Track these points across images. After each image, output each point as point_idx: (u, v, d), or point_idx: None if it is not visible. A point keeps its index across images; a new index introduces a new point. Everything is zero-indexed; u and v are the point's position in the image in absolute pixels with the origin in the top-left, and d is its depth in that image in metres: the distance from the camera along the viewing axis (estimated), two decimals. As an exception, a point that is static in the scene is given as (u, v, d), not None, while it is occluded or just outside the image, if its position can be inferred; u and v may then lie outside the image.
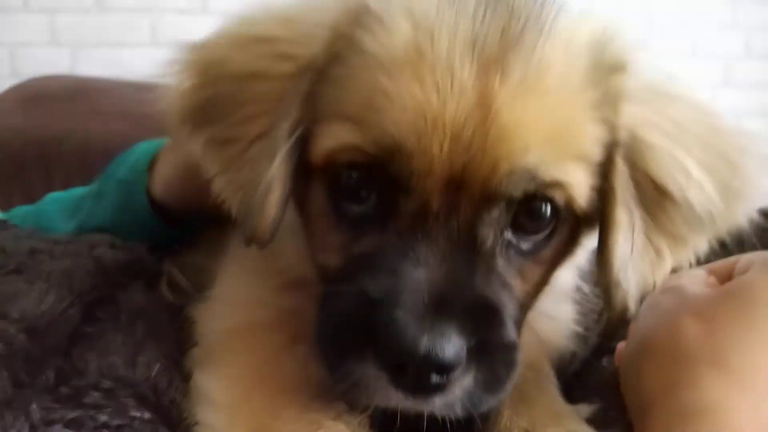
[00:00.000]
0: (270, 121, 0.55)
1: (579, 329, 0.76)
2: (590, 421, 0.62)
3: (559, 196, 0.54)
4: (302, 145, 0.56)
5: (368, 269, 0.51)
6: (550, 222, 0.56)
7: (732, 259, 0.64)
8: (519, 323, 0.57)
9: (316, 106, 0.55)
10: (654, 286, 0.59)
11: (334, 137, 0.53)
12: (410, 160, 0.50)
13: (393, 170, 0.51)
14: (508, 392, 0.54)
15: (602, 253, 0.58)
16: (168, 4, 2.49)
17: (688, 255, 0.61)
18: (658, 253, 0.59)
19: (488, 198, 0.52)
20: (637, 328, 0.61)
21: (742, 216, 0.60)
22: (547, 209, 0.55)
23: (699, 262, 0.64)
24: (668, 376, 0.52)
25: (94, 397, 0.48)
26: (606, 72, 0.56)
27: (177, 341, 0.63)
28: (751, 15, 2.90)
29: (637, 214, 0.57)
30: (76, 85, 2.18)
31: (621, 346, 0.68)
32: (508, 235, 0.55)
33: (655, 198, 0.58)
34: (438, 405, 0.50)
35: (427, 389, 0.48)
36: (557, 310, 0.76)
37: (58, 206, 1.06)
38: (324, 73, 0.54)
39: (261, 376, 0.59)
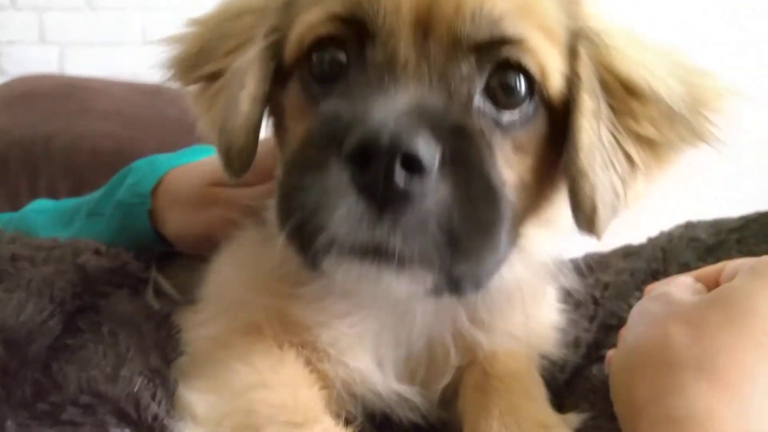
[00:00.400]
0: (251, 45, 0.60)
1: (569, 336, 0.77)
2: (580, 430, 0.63)
3: (532, 64, 0.55)
4: (278, 58, 0.60)
5: (326, 115, 0.51)
6: (525, 99, 0.56)
7: (719, 265, 0.65)
8: (510, 231, 0.54)
9: (293, 10, 0.59)
10: (625, 205, 0.59)
11: (305, 18, 0.56)
12: (377, 2, 0.52)
13: (361, 15, 0.52)
14: (492, 261, 0.52)
15: (570, 142, 0.57)
16: (160, 2, 2.47)
17: (660, 170, 0.60)
18: (628, 159, 0.59)
19: (455, 42, 0.52)
20: (627, 335, 0.61)
21: (710, 130, 0.60)
22: (521, 82, 0.55)
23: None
24: (656, 383, 0.52)
25: (71, 413, 0.47)
26: None
27: (163, 351, 0.62)
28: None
29: (604, 106, 0.58)
30: (65, 84, 2.15)
31: (611, 353, 0.68)
32: (482, 100, 0.55)
33: (621, 96, 0.58)
34: (409, 221, 0.45)
35: (394, 188, 0.44)
36: (545, 315, 0.75)
37: (43, 217, 1.05)
38: None
39: (244, 388, 0.58)
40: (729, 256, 0.81)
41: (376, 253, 0.48)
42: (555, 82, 0.57)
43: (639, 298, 0.83)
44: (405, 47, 0.52)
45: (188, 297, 0.85)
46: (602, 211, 0.57)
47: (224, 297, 0.70)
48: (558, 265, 0.72)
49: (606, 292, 0.82)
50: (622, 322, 0.80)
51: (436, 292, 0.52)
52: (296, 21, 0.58)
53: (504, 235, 0.52)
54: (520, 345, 0.71)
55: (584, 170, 0.57)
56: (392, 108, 0.47)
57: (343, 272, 0.51)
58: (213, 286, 0.72)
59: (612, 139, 0.58)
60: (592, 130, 0.57)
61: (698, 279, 0.64)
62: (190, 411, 0.55)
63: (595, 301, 0.81)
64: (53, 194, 1.85)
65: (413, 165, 0.44)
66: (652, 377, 0.53)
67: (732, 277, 0.58)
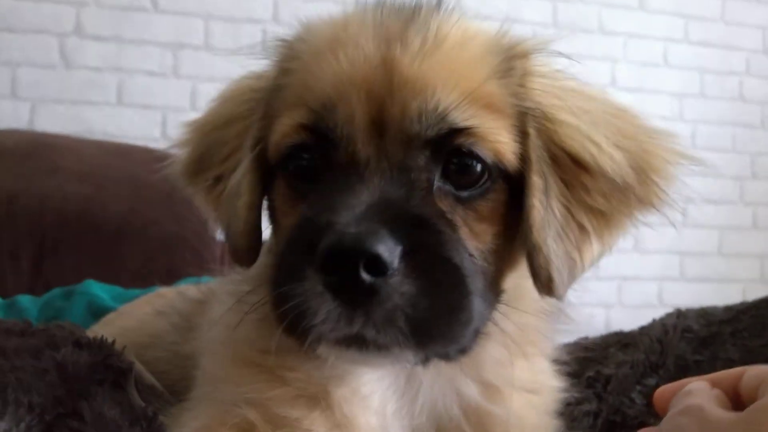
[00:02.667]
0: (243, 151, 0.67)
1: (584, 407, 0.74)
2: None
3: (485, 151, 0.59)
4: (265, 161, 0.66)
5: (304, 218, 0.57)
6: (482, 176, 0.60)
7: (734, 372, 0.63)
8: (487, 293, 0.59)
9: (270, 119, 0.65)
10: (582, 268, 0.62)
11: (279, 128, 0.62)
12: (336, 111, 0.58)
13: (323, 126, 0.59)
14: (467, 333, 0.55)
15: (524, 218, 0.61)
16: (137, 64, 2.46)
17: (612, 236, 0.63)
18: (581, 228, 0.62)
19: (408, 140, 0.58)
20: None
21: (659, 197, 0.63)
22: (476, 164, 0.60)
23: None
24: None
25: None
26: (507, 52, 0.64)
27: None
28: (697, 109, 3.10)
29: (553, 182, 0.61)
30: (33, 141, 2.07)
31: None
32: (441, 182, 0.59)
33: (571, 170, 0.62)
34: (379, 316, 0.50)
35: (361, 288, 0.50)
36: (537, 382, 0.71)
37: None
38: (274, 91, 0.66)
39: None
40: (725, 350, 0.81)
41: (357, 342, 0.53)
42: (508, 161, 0.61)
43: (640, 392, 0.82)
44: (363, 148, 0.58)
45: (170, 388, 0.81)
46: (558, 279, 0.60)
47: (215, 392, 0.67)
48: (554, 306, 0.71)
49: (608, 386, 0.80)
50: (625, 419, 0.78)
51: (423, 362, 0.58)
52: (273, 128, 0.64)
53: (477, 305, 0.56)
54: (534, 404, 0.70)
55: (537, 245, 0.60)
56: (354, 211, 0.52)
57: (334, 358, 0.59)
58: (205, 377, 0.70)
59: (564, 211, 0.62)
60: (543, 207, 0.61)
61: (714, 384, 0.61)
62: None
63: (598, 397, 0.79)
64: (15, 256, 1.77)
65: (376, 266, 0.49)
66: None
67: (754, 388, 0.56)
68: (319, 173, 0.60)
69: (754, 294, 1.09)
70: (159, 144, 2.41)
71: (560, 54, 0.67)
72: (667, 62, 3.07)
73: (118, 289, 1.46)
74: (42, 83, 2.37)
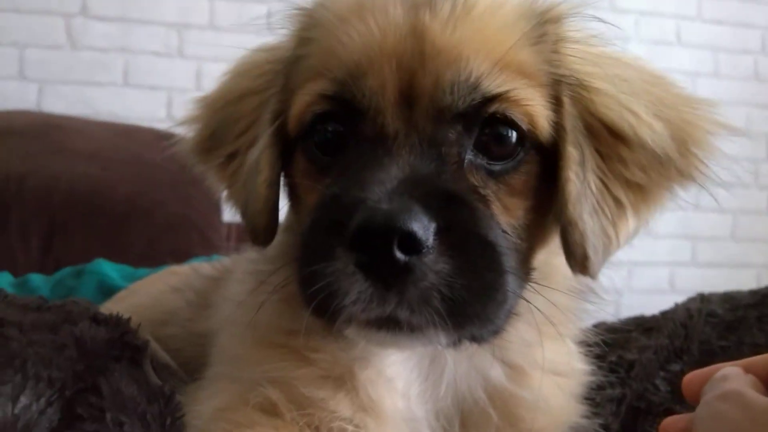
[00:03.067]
0: (259, 125, 0.64)
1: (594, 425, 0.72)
2: None
3: (519, 116, 0.57)
4: (284, 135, 0.64)
5: (330, 194, 0.54)
6: (516, 147, 0.58)
7: (766, 356, 0.61)
8: (519, 271, 0.57)
9: (289, 90, 0.63)
10: (618, 245, 0.60)
11: (301, 98, 0.59)
12: (364, 80, 0.56)
13: (350, 96, 0.56)
14: (501, 313, 0.53)
15: (558, 192, 0.59)
16: (143, 45, 2.43)
17: (650, 211, 0.61)
18: (617, 203, 0.60)
19: (440, 113, 0.56)
20: None
21: (700, 170, 0.62)
22: (510, 132, 0.58)
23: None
24: None
25: None
26: (539, 17, 0.61)
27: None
28: (710, 88, 3.04)
29: (589, 153, 0.59)
30: (41, 122, 2.06)
31: None
32: (473, 155, 0.57)
33: (608, 141, 0.60)
34: (413, 296, 0.48)
35: (395, 267, 0.48)
36: (565, 364, 0.70)
37: None
38: (293, 63, 0.63)
39: None
40: (751, 335, 0.79)
41: (389, 323, 0.52)
42: (543, 128, 0.59)
43: (664, 378, 0.80)
44: (392, 121, 0.55)
45: (183, 366, 0.80)
46: (593, 256, 0.58)
47: (235, 371, 0.66)
48: (584, 285, 0.69)
49: (632, 372, 0.79)
50: (650, 405, 0.77)
51: (455, 345, 0.55)
52: (294, 99, 0.62)
53: (510, 283, 0.54)
54: (561, 387, 0.68)
55: (573, 220, 0.58)
56: (385, 187, 0.50)
57: (364, 339, 0.58)
58: (223, 356, 0.69)
59: (600, 184, 0.60)
60: (579, 180, 0.59)
61: (747, 370, 0.59)
62: None
63: (622, 382, 0.77)
64: (25, 235, 1.76)
65: (410, 243, 0.47)
66: None
67: None
68: (343, 145, 0.58)
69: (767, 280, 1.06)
70: (165, 125, 2.39)
71: (595, 18, 0.63)
72: (679, 40, 3.02)
73: (128, 269, 1.47)
74: (49, 64, 2.35)
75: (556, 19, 0.62)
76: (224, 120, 0.69)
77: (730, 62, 3.07)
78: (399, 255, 0.47)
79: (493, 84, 0.56)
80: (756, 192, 3.09)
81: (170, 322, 0.93)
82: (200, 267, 1.06)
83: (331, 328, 0.56)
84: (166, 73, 2.46)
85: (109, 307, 0.91)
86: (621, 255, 0.63)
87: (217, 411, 0.62)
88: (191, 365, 0.78)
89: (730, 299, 0.90)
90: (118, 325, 0.67)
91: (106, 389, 0.55)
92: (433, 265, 0.49)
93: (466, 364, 0.64)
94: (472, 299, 0.51)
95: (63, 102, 2.31)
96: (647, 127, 0.59)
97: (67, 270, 1.46)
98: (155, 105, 2.46)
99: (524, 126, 0.57)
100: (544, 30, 0.61)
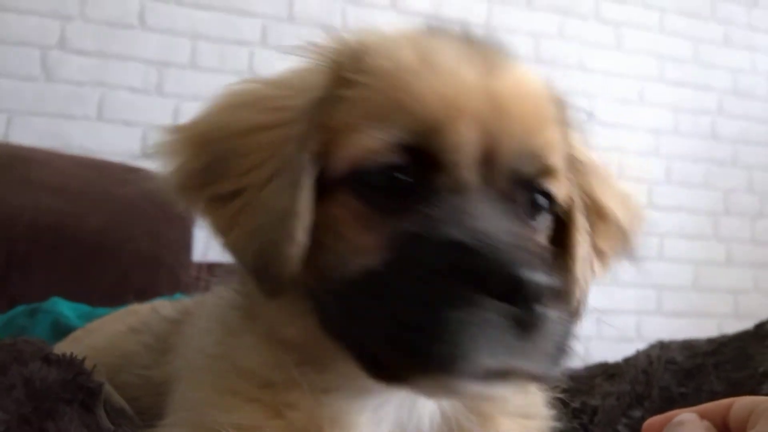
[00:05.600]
0: (279, 164, 0.59)
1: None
2: None
3: (561, 189, 0.65)
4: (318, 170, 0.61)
5: (427, 235, 0.53)
6: (548, 211, 0.65)
7: (723, 402, 0.63)
8: None
9: (330, 130, 0.60)
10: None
11: (360, 144, 0.58)
12: (447, 136, 0.57)
13: (431, 148, 0.57)
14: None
15: (565, 254, 0.68)
16: (120, 80, 2.44)
17: (603, 273, 0.73)
18: (591, 269, 0.71)
19: (513, 174, 0.60)
20: None
21: (634, 248, 0.74)
22: (549, 201, 0.64)
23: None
24: None
25: None
26: (556, 101, 0.69)
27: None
28: (671, 145, 3.17)
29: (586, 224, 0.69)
30: (8, 153, 2.02)
31: None
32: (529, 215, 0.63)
33: (593, 217, 0.70)
34: (541, 346, 0.50)
35: (534, 319, 0.49)
36: (531, 406, 0.71)
37: None
38: (330, 103, 0.60)
39: None
40: (708, 382, 0.81)
41: (502, 374, 0.52)
42: (563, 200, 0.67)
43: (626, 425, 0.81)
44: (470, 176, 0.58)
45: (139, 416, 0.77)
46: (583, 308, 0.68)
47: (196, 416, 0.63)
48: None
49: (595, 418, 0.80)
50: (613, 450, 0.77)
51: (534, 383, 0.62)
52: (343, 142, 0.59)
53: None
54: (528, 429, 0.69)
55: (578, 278, 0.67)
56: (508, 243, 0.51)
57: (472, 390, 0.54)
58: (184, 403, 0.66)
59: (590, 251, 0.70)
60: (586, 244, 0.68)
61: (703, 416, 0.61)
62: None
63: (585, 428, 0.78)
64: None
65: (542, 296, 0.50)
66: None
67: (746, 420, 0.56)
68: (408, 192, 0.58)
69: (729, 329, 1.10)
70: (139, 161, 2.38)
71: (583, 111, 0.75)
72: (643, 100, 3.16)
73: (85, 308, 1.41)
74: (20, 95, 2.33)
75: (564, 105, 0.71)
76: (222, 154, 0.62)
77: (689, 121, 3.22)
78: (538, 308, 0.49)
79: (551, 158, 0.63)
80: (715, 244, 3.20)
81: (126, 367, 0.88)
82: (160, 307, 1.01)
83: (427, 380, 0.53)
84: (143, 109, 2.46)
85: (63, 347, 0.86)
86: (589, 303, 0.72)
87: None
88: (147, 415, 0.75)
89: (688, 347, 0.92)
90: (71, 366, 0.64)
91: (54, 434, 0.53)
92: (552, 317, 0.51)
93: (440, 415, 0.65)
94: (566, 340, 0.54)
95: (33, 134, 2.29)
96: (619, 210, 0.72)
97: (20, 308, 1.39)
98: (129, 141, 2.45)
99: (558, 198, 0.65)
100: (560, 113, 0.69)
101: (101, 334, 1.05)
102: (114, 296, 1.71)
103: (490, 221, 0.54)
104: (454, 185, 0.57)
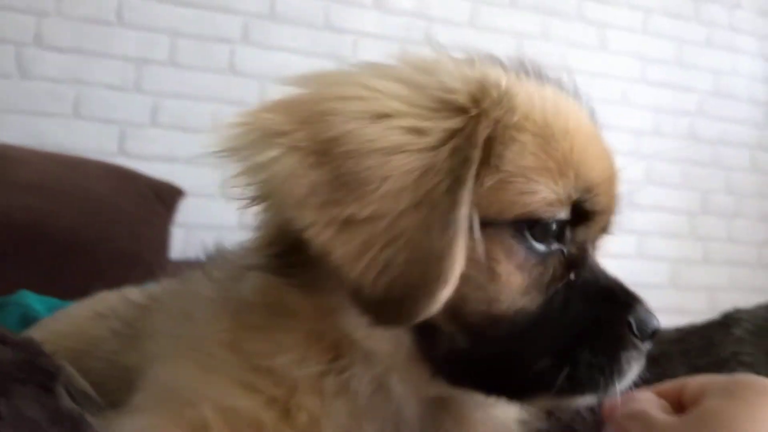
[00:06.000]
0: (422, 194, 0.56)
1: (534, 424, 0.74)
2: None
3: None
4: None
5: (583, 290, 0.63)
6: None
7: (677, 383, 0.66)
8: None
9: (497, 171, 0.60)
10: None
11: (540, 196, 0.60)
12: (602, 199, 0.64)
13: (587, 208, 0.63)
14: None
15: None
16: (97, 77, 2.42)
17: None
18: None
19: (607, 225, 0.70)
20: None
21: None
22: None
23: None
24: None
25: None
26: None
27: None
28: (652, 146, 3.21)
29: None
30: (-17, 151, 2.01)
31: None
32: None
33: None
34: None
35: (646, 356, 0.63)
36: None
37: None
38: (492, 140, 0.60)
39: None
40: (673, 368, 0.82)
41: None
42: None
43: (591, 410, 0.82)
44: (595, 231, 0.68)
45: (111, 397, 0.76)
46: None
47: (170, 394, 0.63)
48: None
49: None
50: (576, 436, 0.78)
51: None
52: (518, 188, 0.60)
53: None
54: (491, 416, 0.73)
55: None
56: (642, 302, 0.64)
57: (592, 404, 0.68)
58: (158, 381, 0.66)
59: None
60: None
61: (659, 395, 0.64)
62: None
63: (549, 414, 0.78)
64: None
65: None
66: None
67: (698, 396, 0.58)
68: (555, 241, 0.64)
69: (704, 324, 1.11)
70: (116, 159, 2.36)
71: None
72: (625, 100, 3.19)
73: (55, 301, 1.39)
74: (-4, 92, 2.31)
75: None
76: (355, 174, 0.56)
77: (670, 122, 3.26)
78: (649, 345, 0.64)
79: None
80: (693, 243, 3.23)
81: (93, 353, 0.88)
82: (128, 293, 1.01)
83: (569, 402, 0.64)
84: (121, 107, 2.44)
85: (29, 333, 0.86)
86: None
87: (139, 430, 0.60)
88: (112, 399, 0.74)
89: (657, 336, 0.93)
90: (27, 347, 0.63)
91: (6, 415, 0.52)
92: None
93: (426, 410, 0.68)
94: None
95: (8, 132, 2.26)
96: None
97: None
98: (107, 139, 2.43)
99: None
100: None
101: (67, 320, 1.04)
102: (89, 294, 1.70)
103: (604, 270, 0.66)
104: (588, 237, 0.66)
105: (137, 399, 0.66)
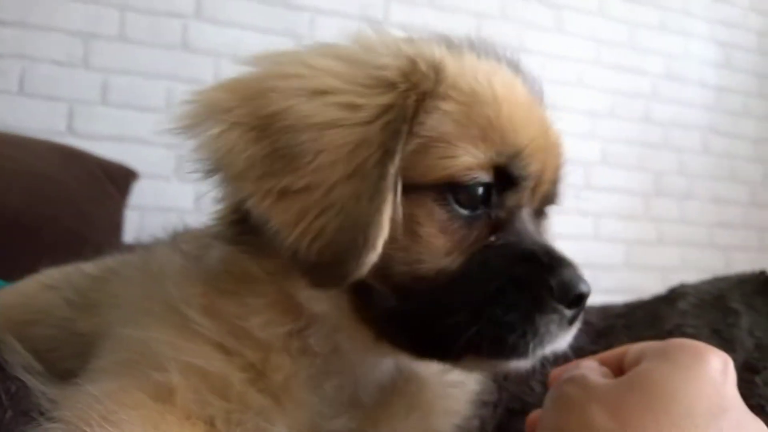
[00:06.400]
0: (355, 165, 0.59)
1: (473, 422, 0.75)
2: None
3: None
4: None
5: (504, 251, 0.63)
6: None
7: (619, 350, 0.68)
8: None
9: (419, 137, 0.62)
10: None
11: (460, 160, 0.62)
12: (531, 163, 0.65)
13: (512, 173, 0.65)
14: None
15: None
16: (43, 53, 2.31)
17: None
18: None
19: (548, 195, 0.72)
20: (545, 419, 0.61)
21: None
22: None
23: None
24: None
25: None
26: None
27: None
28: (608, 128, 3.27)
29: None
30: None
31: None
32: None
33: None
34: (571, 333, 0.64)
35: (577, 318, 0.63)
36: (463, 375, 0.78)
37: None
38: (413, 119, 0.61)
39: None
40: (619, 340, 0.84)
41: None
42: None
43: (540, 381, 0.83)
44: (527, 195, 0.68)
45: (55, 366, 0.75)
46: None
47: (137, 355, 0.63)
48: None
49: (509, 376, 0.81)
50: (525, 405, 0.79)
51: None
52: (440, 153, 0.62)
53: None
54: (439, 406, 0.75)
55: None
56: (571, 266, 0.63)
57: (485, 366, 0.68)
58: (122, 344, 0.66)
59: None
60: None
61: (602, 363, 0.65)
62: None
63: (499, 387, 0.79)
64: None
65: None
66: None
67: (638, 361, 0.60)
68: (479, 204, 0.65)
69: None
70: (65, 139, 2.27)
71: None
72: (581, 83, 3.23)
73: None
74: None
75: None
76: (292, 145, 0.60)
77: (624, 105, 3.32)
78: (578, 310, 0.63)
79: (562, 183, 0.75)
80: (647, 224, 3.32)
81: (42, 321, 0.88)
82: (82, 265, 1.02)
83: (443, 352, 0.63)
84: (67, 83, 2.35)
85: None
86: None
87: (103, 394, 0.59)
88: (67, 365, 0.75)
89: (604, 310, 0.95)
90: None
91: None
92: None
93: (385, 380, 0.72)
94: None
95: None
96: None
97: None
98: (54, 117, 2.33)
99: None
100: None
101: (13, 293, 1.04)
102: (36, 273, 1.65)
103: (539, 235, 0.67)
104: (518, 202, 0.66)
105: (101, 363, 0.66)
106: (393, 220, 0.60)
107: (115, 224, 2.15)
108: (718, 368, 0.57)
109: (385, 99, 0.61)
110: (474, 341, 0.59)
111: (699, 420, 0.52)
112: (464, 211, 0.63)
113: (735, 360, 0.86)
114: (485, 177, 0.63)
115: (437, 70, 0.64)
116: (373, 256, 0.58)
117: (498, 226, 0.65)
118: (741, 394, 0.61)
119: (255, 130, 0.61)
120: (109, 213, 2.13)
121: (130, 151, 2.34)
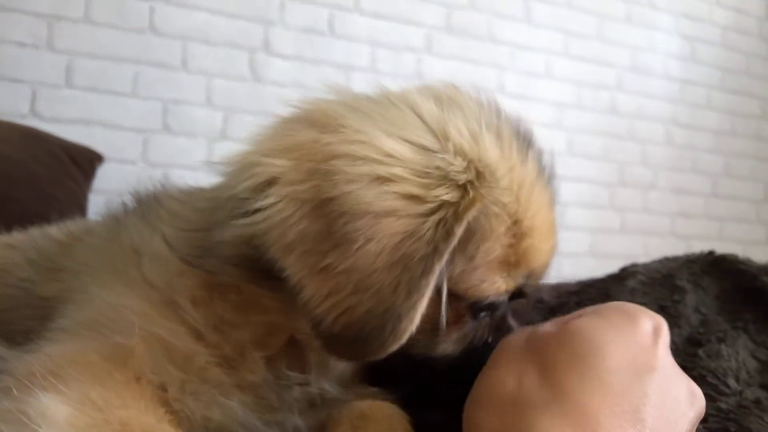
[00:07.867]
0: (402, 254, 0.58)
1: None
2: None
3: None
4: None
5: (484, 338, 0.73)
6: None
7: (562, 319, 0.70)
8: None
9: (468, 257, 0.65)
10: None
11: (496, 286, 0.67)
12: (540, 278, 0.74)
13: (526, 289, 0.73)
14: None
15: None
16: (6, 34, 2.26)
17: None
18: None
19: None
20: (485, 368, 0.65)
21: None
22: None
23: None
24: (506, 421, 0.55)
25: None
26: None
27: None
28: (574, 119, 3.33)
29: None
30: None
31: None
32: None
33: None
34: None
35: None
36: None
37: None
38: (471, 221, 0.61)
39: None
40: (570, 317, 0.87)
41: None
42: None
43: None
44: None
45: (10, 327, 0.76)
46: None
47: (102, 318, 0.64)
48: None
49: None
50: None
51: None
52: (476, 273, 0.66)
53: None
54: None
55: None
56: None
57: None
58: (89, 306, 0.67)
59: None
60: None
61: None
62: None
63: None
64: None
65: None
66: (503, 416, 0.55)
67: (577, 317, 0.63)
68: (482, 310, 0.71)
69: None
70: (28, 121, 2.23)
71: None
72: (548, 73, 3.28)
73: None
74: None
75: None
76: (345, 230, 0.58)
77: (590, 96, 3.38)
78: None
79: None
80: (611, 213, 3.40)
81: (2, 279, 0.87)
82: (48, 229, 1.01)
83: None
84: (32, 66, 2.30)
85: None
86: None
87: (56, 353, 0.59)
88: (25, 325, 0.75)
89: (557, 288, 0.99)
90: None
91: None
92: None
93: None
94: None
95: None
96: None
97: None
98: (17, 99, 2.28)
99: None
100: None
101: None
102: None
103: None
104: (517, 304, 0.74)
105: (64, 323, 0.66)
106: (428, 315, 0.61)
107: (79, 206, 2.12)
108: (648, 330, 0.60)
109: (446, 197, 0.60)
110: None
111: (624, 376, 0.54)
112: (480, 316, 0.71)
113: (680, 335, 0.90)
114: (507, 295, 0.70)
115: (499, 184, 0.65)
116: (395, 346, 0.58)
117: (495, 325, 0.73)
118: (684, 365, 0.64)
119: (313, 208, 0.59)
120: (73, 195, 2.10)
121: (95, 134, 2.31)
